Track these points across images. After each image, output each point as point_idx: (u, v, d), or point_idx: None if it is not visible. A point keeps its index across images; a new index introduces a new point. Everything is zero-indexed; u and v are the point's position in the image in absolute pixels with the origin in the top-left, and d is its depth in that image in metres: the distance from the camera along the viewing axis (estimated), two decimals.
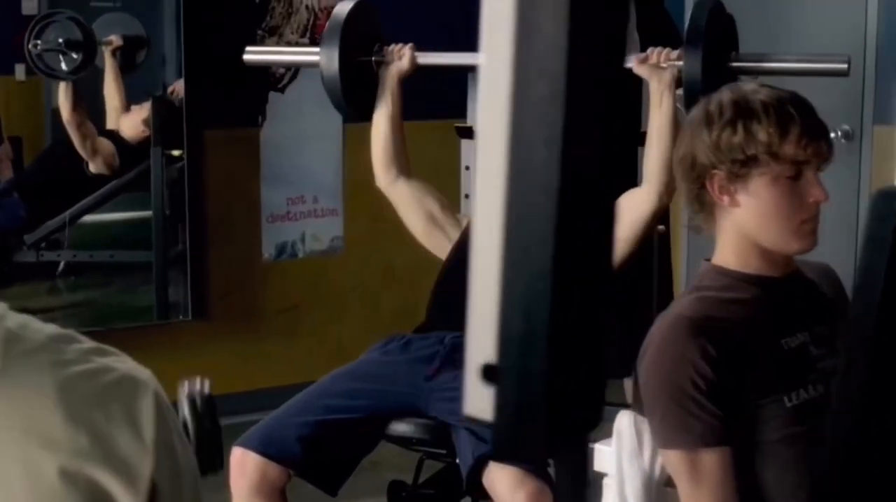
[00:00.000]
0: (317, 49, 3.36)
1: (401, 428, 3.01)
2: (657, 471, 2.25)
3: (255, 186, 4.79)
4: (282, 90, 4.79)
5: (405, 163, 3.43)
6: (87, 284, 5.31)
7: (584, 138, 0.94)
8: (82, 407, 1.33)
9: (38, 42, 5.02)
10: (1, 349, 1.32)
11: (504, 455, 1.00)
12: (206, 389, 1.68)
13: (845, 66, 3.15)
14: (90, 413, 1.33)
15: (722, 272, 2.16)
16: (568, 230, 0.94)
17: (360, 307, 5.06)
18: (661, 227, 3.39)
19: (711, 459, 2.01)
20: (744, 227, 2.11)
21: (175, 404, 1.60)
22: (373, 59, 3.42)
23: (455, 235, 3.40)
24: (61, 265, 5.29)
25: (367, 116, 3.40)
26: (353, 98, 3.38)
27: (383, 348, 3.20)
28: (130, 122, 5.23)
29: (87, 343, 1.38)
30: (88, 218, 5.34)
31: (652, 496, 2.25)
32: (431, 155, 3.86)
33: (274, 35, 4.74)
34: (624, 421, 2.28)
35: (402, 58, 3.39)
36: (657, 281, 3.41)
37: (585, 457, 1.12)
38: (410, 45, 3.43)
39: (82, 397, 1.34)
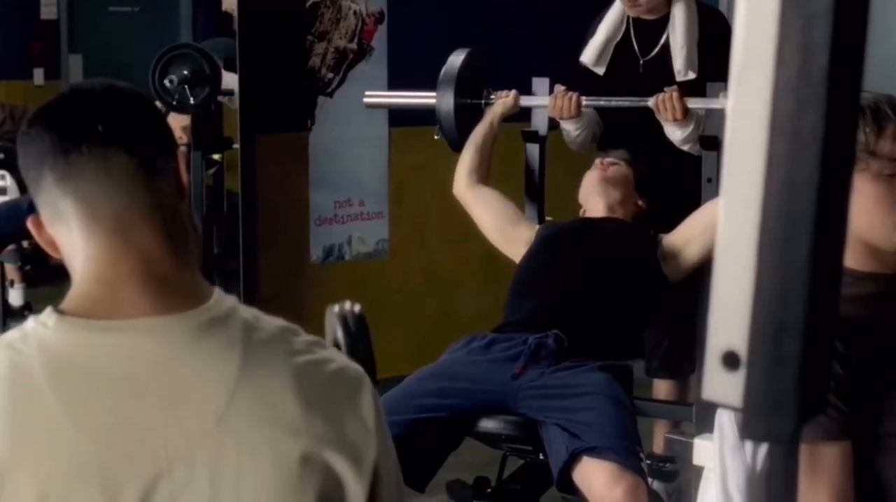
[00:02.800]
0: (433, 93, 3.78)
1: (489, 425, 3.09)
2: (759, 465, 2.31)
3: (304, 190, 4.85)
4: (330, 95, 4.85)
5: (485, 174, 3.80)
6: None
7: (841, 136, 1.01)
8: (315, 394, 1.42)
9: (173, 78, 5.03)
10: (241, 337, 1.41)
11: (753, 434, 1.06)
12: (357, 308, 1.73)
13: None
14: (322, 400, 1.42)
15: None
16: (824, 226, 1.00)
17: (404, 309, 5.12)
18: None
19: (832, 453, 2.06)
20: (851, 225, 2.18)
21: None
22: (482, 101, 3.86)
23: (529, 237, 3.53)
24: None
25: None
26: (465, 136, 3.79)
27: (466, 347, 3.27)
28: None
29: (307, 335, 1.48)
30: None
31: (754, 489, 2.31)
32: (498, 158, 3.94)
33: (323, 40, 4.80)
34: (725, 415, 2.35)
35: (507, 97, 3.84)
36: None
37: (798, 445, 1.19)
38: (514, 91, 3.87)
39: (313, 384, 1.43)
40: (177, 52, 5.26)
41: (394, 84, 4.99)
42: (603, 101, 3.87)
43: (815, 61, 0.98)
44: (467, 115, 3.77)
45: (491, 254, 3.73)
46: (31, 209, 1.51)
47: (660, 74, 3.93)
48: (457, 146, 3.76)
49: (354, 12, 4.86)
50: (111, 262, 1.44)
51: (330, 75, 4.83)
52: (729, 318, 1.06)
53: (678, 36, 3.92)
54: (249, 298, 4.76)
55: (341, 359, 1.52)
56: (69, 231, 1.45)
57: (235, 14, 4.94)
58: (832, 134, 0.99)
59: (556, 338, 3.22)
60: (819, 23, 0.97)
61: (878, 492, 2.12)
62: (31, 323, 1.42)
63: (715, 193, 3.49)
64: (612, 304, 3.37)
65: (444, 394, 3.13)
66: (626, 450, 2.96)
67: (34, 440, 1.36)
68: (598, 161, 3.74)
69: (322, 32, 4.79)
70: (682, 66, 3.92)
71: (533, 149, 3.90)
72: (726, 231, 1.05)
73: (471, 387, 3.12)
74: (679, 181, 3.75)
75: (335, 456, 1.41)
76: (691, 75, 3.90)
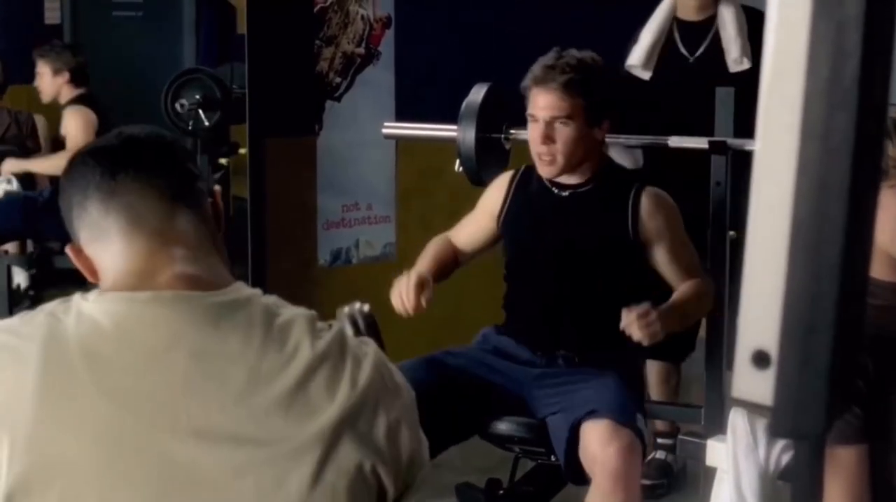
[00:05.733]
0: (453, 126, 3.75)
1: (501, 426, 3.12)
2: (772, 466, 2.34)
3: (311, 194, 4.87)
4: (338, 99, 4.87)
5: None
6: None
7: (870, 142, 1.03)
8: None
9: (184, 102, 5.10)
10: (262, 319, 1.52)
11: (783, 431, 1.08)
12: (366, 308, 1.81)
13: None
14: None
15: None
16: (854, 228, 1.02)
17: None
18: (731, 233, 3.51)
19: (848, 455, 2.09)
20: (876, 239, 2.20)
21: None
22: (502, 136, 3.85)
23: (492, 227, 3.49)
24: None
25: (485, 182, 3.69)
26: (485, 168, 3.76)
27: (481, 346, 3.34)
28: None
29: (327, 323, 1.55)
30: None
31: (767, 490, 2.34)
32: None
33: (331, 45, 4.81)
34: (738, 416, 2.37)
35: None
36: (729, 284, 3.51)
37: (825, 444, 1.21)
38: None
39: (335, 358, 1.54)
40: (188, 76, 5.31)
41: (401, 89, 5.01)
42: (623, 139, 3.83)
43: (845, 67, 1.00)
44: (488, 150, 3.78)
45: (499, 257, 3.75)
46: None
47: (711, 70, 4.03)
48: (476, 180, 3.76)
49: (362, 17, 4.88)
50: (148, 257, 1.56)
51: (338, 80, 4.85)
52: (760, 318, 1.08)
53: (729, 28, 4.05)
54: None
55: (351, 336, 1.62)
56: (110, 244, 1.57)
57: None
58: (862, 138, 1.01)
59: (565, 358, 3.26)
60: (850, 29, 0.99)
61: (892, 495, 2.15)
62: (76, 296, 1.53)
63: (723, 197, 3.51)
64: (599, 293, 3.29)
65: (468, 369, 3.26)
66: (623, 409, 3.00)
67: (59, 402, 1.45)
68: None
69: (330, 37, 4.81)
70: (737, 54, 4.03)
71: None
72: (757, 233, 1.07)
73: (493, 380, 3.25)
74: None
75: (351, 433, 1.49)
76: (746, 64, 4.02)
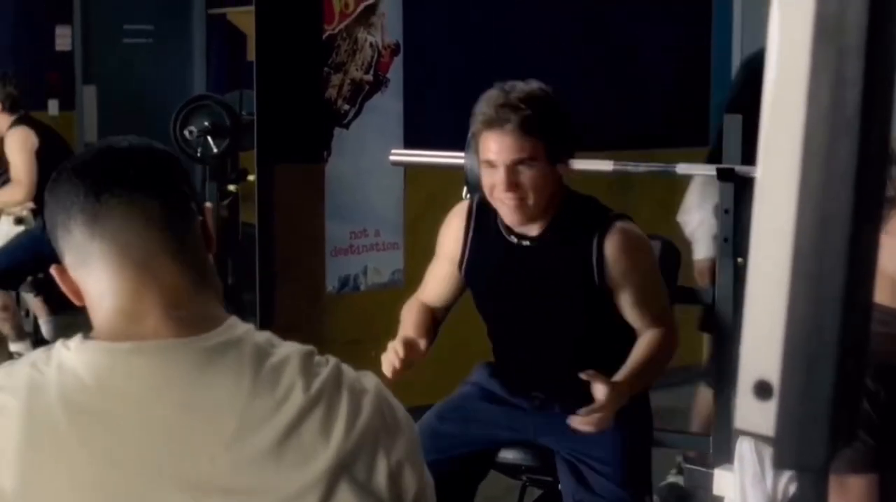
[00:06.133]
0: (461, 154, 3.56)
1: (508, 455, 3.10)
2: (780, 496, 2.32)
3: (319, 220, 4.87)
4: (346, 126, 4.88)
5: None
6: None
7: (872, 170, 1.02)
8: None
9: (193, 128, 5.13)
10: (252, 360, 1.45)
11: (786, 463, 1.07)
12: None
13: None
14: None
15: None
16: (856, 258, 1.01)
17: None
18: (740, 260, 3.49)
19: (858, 484, 2.08)
20: (885, 266, 2.19)
21: None
22: None
23: (452, 271, 3.26)
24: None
25: None
26: None
27: (474, 384, 3.28)
28: None
29: (326, 357, 1.50)
30: None
31: None
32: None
33: (339, 72, 4.82)
34: (745, 446, 2.36)
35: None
36: (733, 313, 3.49)
37: (828, 475, 1.20)
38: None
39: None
40: (197, 103, 5.33)
41: (409, 115, 5.02)
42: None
43: (847, 95, 0.99)
44: None
45: None
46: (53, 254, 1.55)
47: None
48: None
49: (370, 44, 4.89)
50: (135, 296, 1.48)
51: (346, 107, 4.86)
52: (761, 348, 1.07)
53: None
54: (265, 329, 4.76)
55: (349, 370, 1.54)
56: (95, 271, 1.49)
57: None
58: (865, 166, 1.00)
59: (561, 406, 3.11)
60: (851, 56, 0.98)
61: None
62: (58, 345, 1.47)
63: (730, 224, 3.49)
64: (575, 339, 3.13)
65: (467, 432, 3.13)
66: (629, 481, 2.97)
67: (43, 458, 1.40)
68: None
69: (338, 64, 4.82)
70: None
71: None
72: (758, 261, 1.06)
73: (493, 421, 3.15)
74: None
75: (348, 479, 1.42)
76: None
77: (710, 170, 3.55)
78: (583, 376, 2.83)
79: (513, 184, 2.93)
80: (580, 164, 3.71)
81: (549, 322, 3.12)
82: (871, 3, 0.97)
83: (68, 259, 1.52)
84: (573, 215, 3.08)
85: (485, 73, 4.06)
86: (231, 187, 5.80)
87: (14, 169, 5.98)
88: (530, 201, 2.97)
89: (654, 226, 4.04)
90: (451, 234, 3.20)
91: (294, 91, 4.75)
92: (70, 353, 1.44)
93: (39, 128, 6.10)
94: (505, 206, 2.99)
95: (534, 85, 2.99)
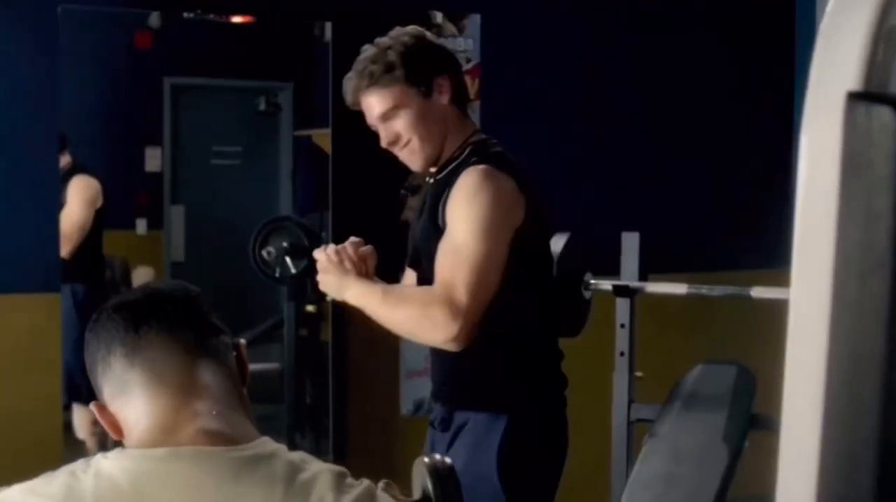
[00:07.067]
0: None
1: None
2: None
3: (395, 341, 4.85)
4: None
5: None
6: None
7: None
8: None
9: (271, 249, 5.24)
10: (284, 474, 1.50)
11: None
12: (447, 460, 1.72)
13: None
14: None
15: None
16: (891, 397, 0.98)
17: None
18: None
19: None
20: None
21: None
22: (582, 287, 3.78)
23: None
24: None
25: (573, 333, 3.56)
26: (563, 318, 3.56)
27: None
28: None
29: (359, 480, 1.51)
30: None
31: None
32: None
33: (416, 194, 4.85)
34: None
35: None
36: None
37: None
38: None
39: None
40: (276, 224, 5.41)
41: None
42: None
43: (877, 230, 0.97)
44: (567, 298, 3.72)
45: (593, 404, 3.68)
46: None
47: None
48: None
49: None
50: (172, 413, 1.54)
51: None
52: (796, 491, 1.03)
53: None
54: (339, 451, 4.76)
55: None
56: (133, 398, 1.55)
57: None
58: None
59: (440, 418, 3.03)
60: (881, 191, 0.96)
61: None
62: (98, 455, 1.53)
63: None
64: None
65: None
66: None
67: None
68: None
69: (415, 186, 4.85)
70: None
71: (623, 304, 3.87)
72: (791, 403, 1.03)
73: None
74: None
75: None
76: None
77: (784, 293, 3.50)
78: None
79: (393, 138, 2.91)
80: (654, 287, 3.70)
81: (429, 269, 2.93)
82: None
83: (107, 391, 1.58)
84: (464, 157, 2.92)
85: (558, 195, 4.06)
86: (310, 307, 5.82)
87: (63, 217, 5.56)
88: (415, 143, 2.90)
89: (730, 350, 3.99)
90: None
91: (370, 212, 4.78)
92: (108, 461, 1.50)
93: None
94: (402, 159, 2.98)
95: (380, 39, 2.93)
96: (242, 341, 1.67)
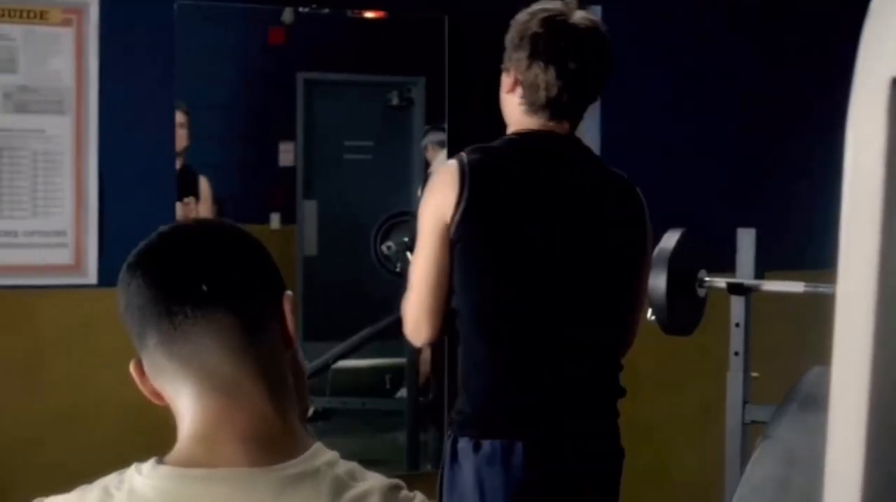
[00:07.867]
0: None
1: None
2: None
3: None
4: None
5: None
6: (335, 429, 5.41)
7: None
8: None
9: (391, 244, 5.30)
10: (329, 492, 1.40)
11: None
12: None
13: None
14: None
15: None
16: None
17: None
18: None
19: None
20: None
21: None
22: (696, 284, 3.75)
23: None
24: (310, 409, 5.43)
25: (686, 331, 3.54)
26: (677, 318, 3.67)
27: None
28: None
29: (414, 493, 1.45)
30: (341, 363, 5.47)
31: None
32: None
33: None
34: None
35: None
36: None
37: None
38: None
39: None
40: (396, 219, 5.43)
41: None
42: None
43: None
44: (680, 297, 3.69)
45: (707, 404, 3.64)
46: None
47: None
48: (668, 328, 3.69)
49: None
50: (216, 424, 1.45)
51: None
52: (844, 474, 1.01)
53: None
54: None
55: None
56: (175, 389, 1.47)
57: None
58: None
59: None
60: None
61: None
62: (132, 469, 1.45)
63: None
64: None
65: None
66: None
67: None
68: None
69: None
70: None
71: (738, 302, 3.81)
72: (838, 395, 1.00)
73: None
74: None
75: None
76: None
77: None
78: None
79: None
80: (770, 285, 3.63)
81: None
82: None
83: (147, 365, 1.48)
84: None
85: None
86: None
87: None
88: None
89: None
90: None
91: None
92: (142, 478, 1.43)
93: None
94: None
95: None
96: (289, 293, 1.50)
